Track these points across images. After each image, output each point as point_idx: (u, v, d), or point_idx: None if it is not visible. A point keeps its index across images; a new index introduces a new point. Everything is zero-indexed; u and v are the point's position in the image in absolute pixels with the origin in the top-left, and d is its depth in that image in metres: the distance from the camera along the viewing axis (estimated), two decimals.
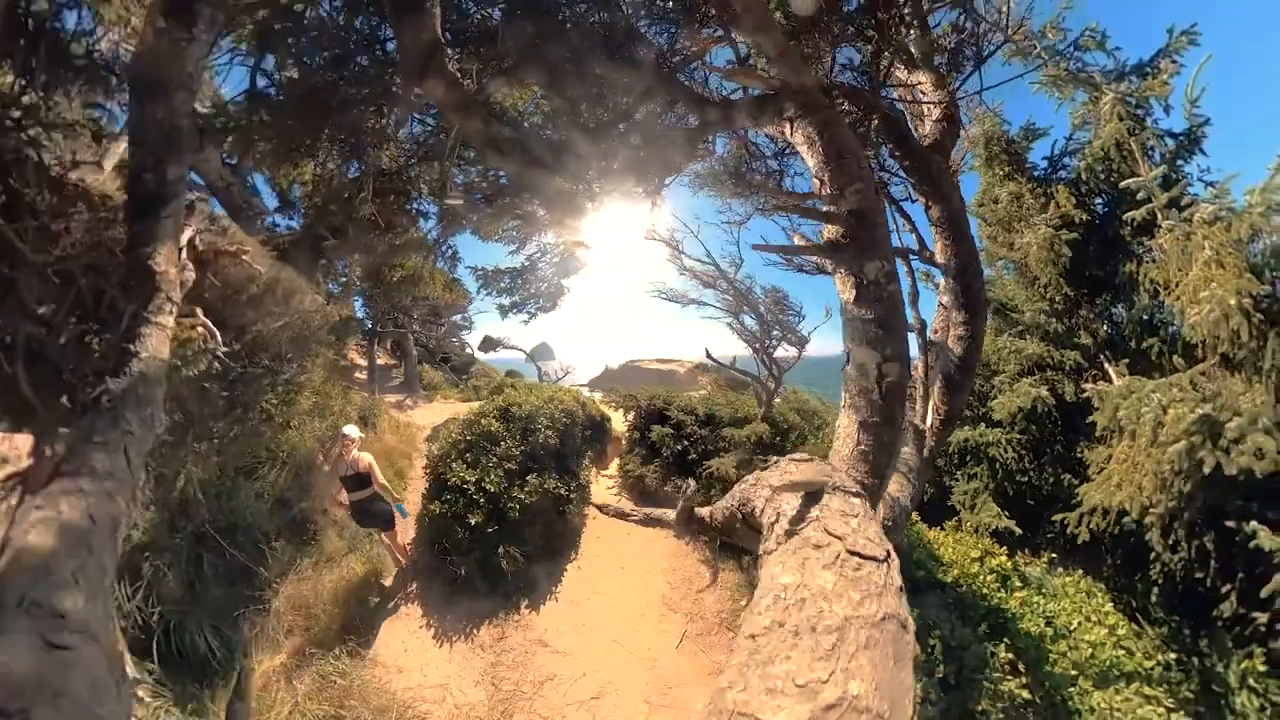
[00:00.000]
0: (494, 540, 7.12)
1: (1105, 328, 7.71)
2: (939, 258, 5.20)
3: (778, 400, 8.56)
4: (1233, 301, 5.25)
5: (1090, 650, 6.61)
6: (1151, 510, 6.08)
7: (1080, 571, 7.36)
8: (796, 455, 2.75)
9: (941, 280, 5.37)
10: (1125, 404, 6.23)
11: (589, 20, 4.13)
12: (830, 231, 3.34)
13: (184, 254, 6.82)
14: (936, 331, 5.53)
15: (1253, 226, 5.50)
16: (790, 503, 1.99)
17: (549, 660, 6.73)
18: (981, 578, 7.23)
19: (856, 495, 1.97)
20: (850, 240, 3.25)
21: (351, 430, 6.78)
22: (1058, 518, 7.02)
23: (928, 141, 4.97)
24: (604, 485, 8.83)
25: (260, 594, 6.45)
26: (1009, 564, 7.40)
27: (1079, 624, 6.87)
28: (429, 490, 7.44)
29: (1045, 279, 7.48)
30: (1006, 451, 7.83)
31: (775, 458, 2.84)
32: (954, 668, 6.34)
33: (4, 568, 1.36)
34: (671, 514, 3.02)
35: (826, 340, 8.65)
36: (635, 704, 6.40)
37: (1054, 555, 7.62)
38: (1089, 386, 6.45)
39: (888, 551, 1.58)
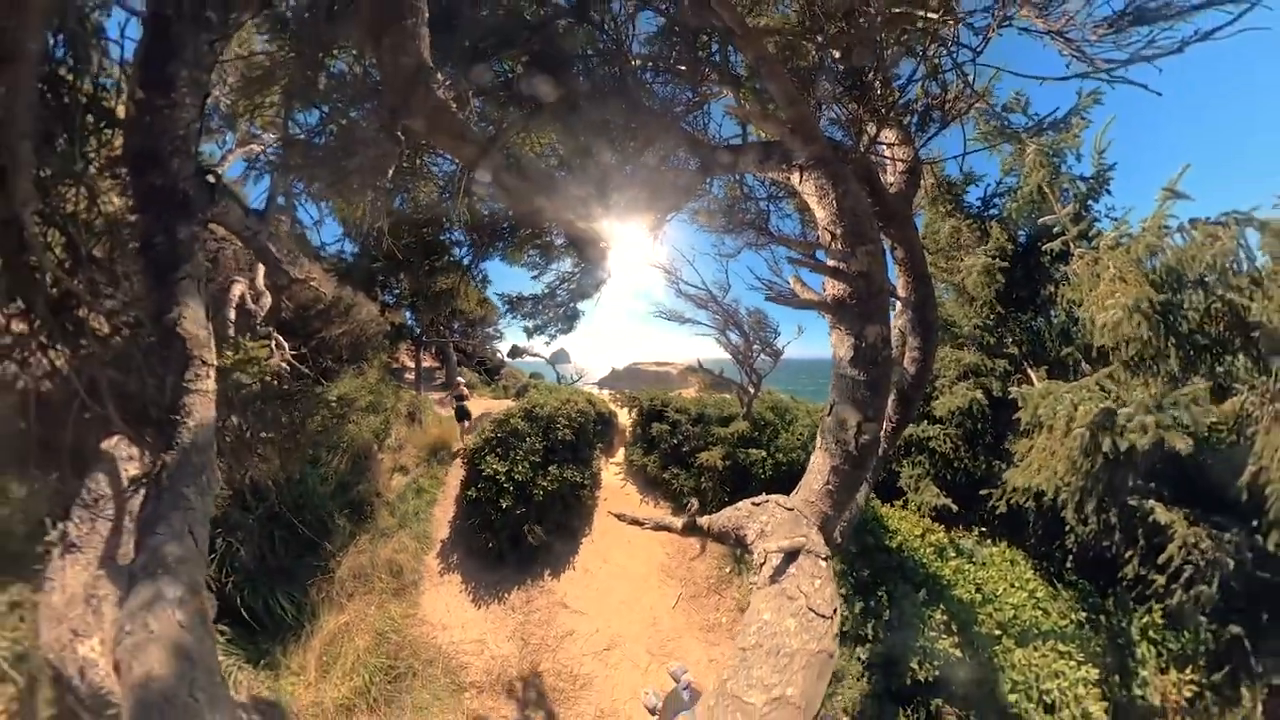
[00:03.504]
0: (521, 520, 6.97)
1: (1028, 339, 7.64)
2: (900, 292, 5.04)
3: (756, 401, 8.45)
4: (1131, 304, 5.19)
5: (1013, 611, 6.50)
6: (1064, 489, 6.00)
7: (1006, 543, 7.28)
8: (780, 500, 2.86)
9: (899, 306, 5.27)
10: (1044, 403, 6.15)
11: (600, 75, 3.92)
12: (834, 288, 2.96)
13: (260, 282, 6.65)
14: (896, 353, 5.40)
15: (1148, 247, 5.48)
16: (775, 555, 2.34)
17: (568, 619, 6.59)
18: (922, 551, 7.12)
19: (825, 559, 2.31)
20: (856, 301, 2.86)
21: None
22: (985, 493, 6.94)
23: (894, 190, 4.80)
24: (612, 471, 8.69)
25: (324, 564, 6.29)
26: (945, 538, 7.30)
27: (1004, 589, 6.77)
28: (466, 478, 7.28)
29: (981, 299, 7.45)
30: (945, 444, 7.78)
31: (765, 495, 2.88)
32: (896, 613, 6.28)
33: (133, 712, 1.24)
34: (678, 523, 3.00)
35: (796, 346, 8.55)
36: (639, 655, 6.26)
37: (984, 530, 7.52)
38: (1015, 389, 6.37)
39: (834, 610, 2.07)
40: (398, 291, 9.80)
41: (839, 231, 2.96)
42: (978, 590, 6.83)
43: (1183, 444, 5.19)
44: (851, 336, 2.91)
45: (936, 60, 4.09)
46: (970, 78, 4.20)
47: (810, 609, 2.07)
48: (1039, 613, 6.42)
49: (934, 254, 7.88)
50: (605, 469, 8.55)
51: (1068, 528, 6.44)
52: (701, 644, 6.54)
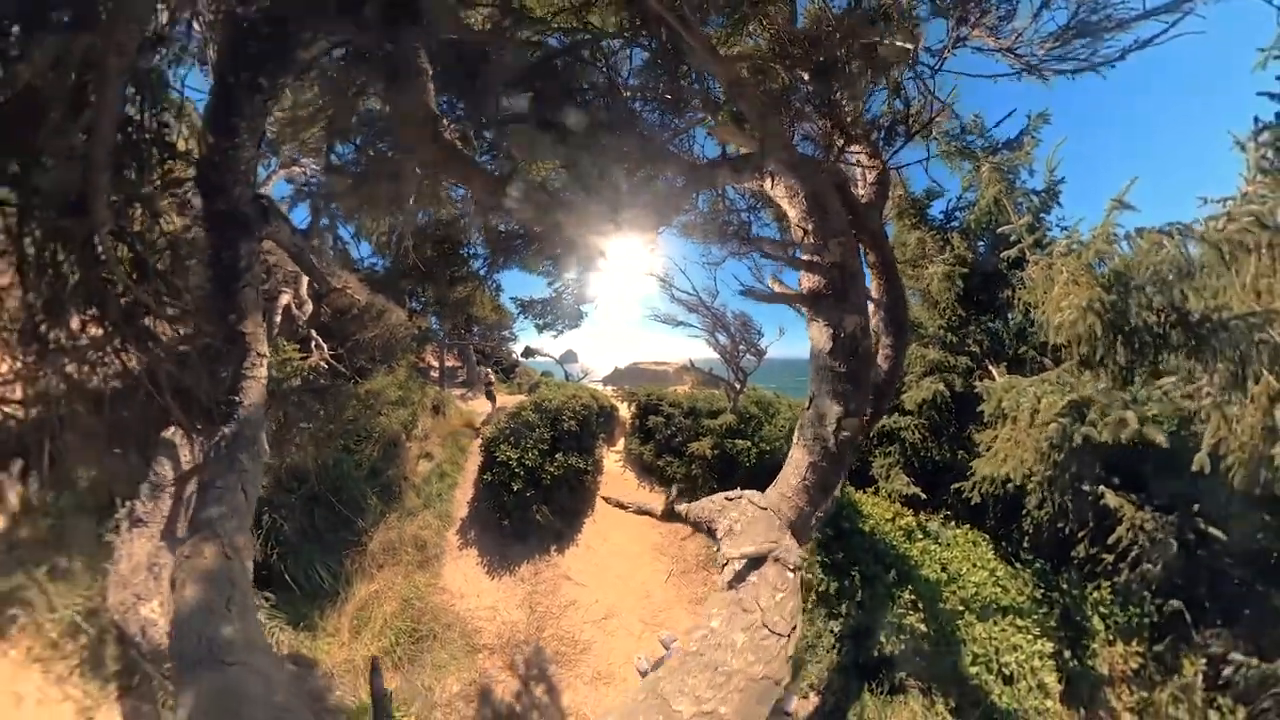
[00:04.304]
0: (531, 501, 7.37)
1: (988, 338, 7.87)
2: (874, 293, 5.20)
3: (742, 396, 8.72)
4: (1084, 304, 5.32)
5: (975, 589, 6.69)
6: (1031, 476, 6.13)
7: (969, 526, 7.44)
8: (753, 497, 2.62)
9: (871, 307, 5.49)
10: (1007, 396, 6.29)
11: (597, 106, 4.14)
12: (810, 280, 2.97)
13: (304, 291, 7.11)
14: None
15: (1098, 253, 5.63)
16: (738, 560, 2.11)
17: (571, 590, 6.95)
18: (892, 534, 7.31)
19: (793, 569, 2.06)
20: (832, 292, 2.85)
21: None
22: (955, 486, 7.12)
23: (865, 200, 4.96)
24: (612, 459, 9.05)
25: (358, 539, 6.73)
26: (914, 521, 7.48)
27: (967, 569, 6.96)
28: (483, 464, 7.68)
29: (944, 302, 7.67)
30: (914, 434, 7.98)
31: (740, 490, 2.71)
32: (868, 592, 6.47)
33: (180, 613, 1.49)
34: (659, 509, 2.91)
35: (778, 346, 8.80)
36: (633, 624, 6.60)
37: (949, 514, 7.69)
38: (979, 383, 6.54)
39: (793, 627, 1.81)
40: (424, 300, 10.38)
41: (810, 227, 3.02)
42: (943, 570, 7.03)
43: (1160, 436, 5.27)
44: (830, 327, 2.90)
45: (899, 79, 4.31)
46: (932, 90, 4.41)
47: (765, 625, 1.79)
48: (999, 590, 6.60)
49: (902, 263, 8.12)
50: (606, 457, 8.92)
51: (1024, 511, 6.61)
52: (690, 615, 6.86)
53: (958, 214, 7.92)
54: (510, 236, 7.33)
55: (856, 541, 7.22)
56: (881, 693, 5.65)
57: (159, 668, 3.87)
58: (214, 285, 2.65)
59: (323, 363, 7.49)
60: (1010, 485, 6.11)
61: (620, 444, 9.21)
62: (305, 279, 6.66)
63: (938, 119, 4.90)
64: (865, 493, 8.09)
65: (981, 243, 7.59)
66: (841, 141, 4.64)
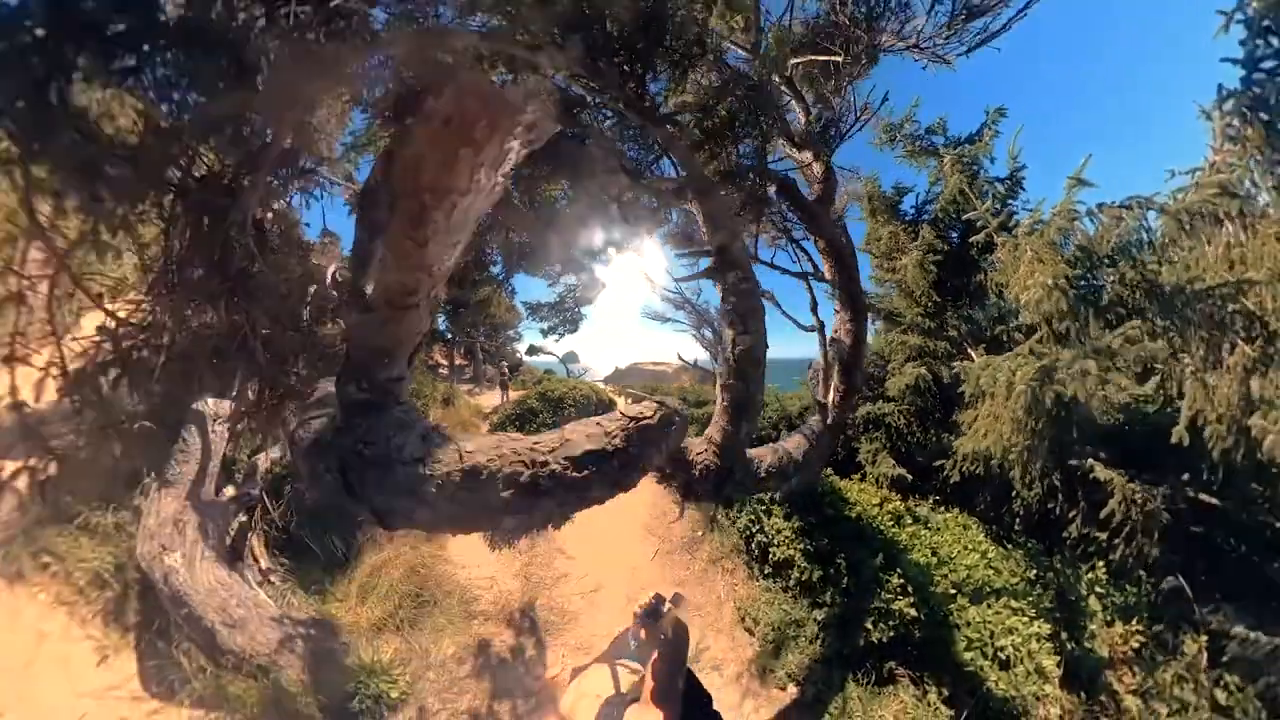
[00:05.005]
0: None
1: (965, 322, 7.71)
2: (827, 275, 5.38)
3: None
4: (1050, 282, 5.19)
5: (966, 572, 6.27)
6: (1011, 449, 5.82)
7: (958, 509, 7.02)
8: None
9: (831, 289, 5.57)
10: (984, 374, 6.10)
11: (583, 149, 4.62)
12: (713, 259, 3.73)
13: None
14: (836, 330, 5.68)
15: (1059, 230, 5.52)
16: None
17: (564, 563, 6.97)
18: (880, 518, 6.99)
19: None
20: (719, 264, 3.61)
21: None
22: (939, 464, 6.80)
23: (814, 197, 5.22)
24: None
25: None
26: (902, 506, 7.14)
27: (958, 551, 6.55)
28: None
29: (919, 290, 7.59)
30: (899, 419, 7.75)
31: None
32: (853, 580, 6.13)
33: None
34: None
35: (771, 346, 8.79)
36: (618, 598, 6.52)
37: (937, 499, 7.29)
38: (957, 364, 6.38)
39: None
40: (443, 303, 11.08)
41: (706, 227, 3.78)
42: (933, 554, 6.66)
43: (1125, 380, 5.02)
44: (724, 282, 3.58)
45: (826, 92, 4.64)
46: (855, 98, 4.70)
47: None
48: (991, 572, 6.18)
49: (878, 258, 8.12)
50: None
51: (1014, 492, 6.23)
52: (670, 592, 6.70)
53: (928, 207, 7.94)
54: (523, 245, 7.83)
55: (842, 528, 6.94)
56: (868, 683, 5.30)
57: (177, 612, 4.07)
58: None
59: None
60: (994, 462, 5.82)
61: None
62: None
63: (864, 119, 5.10)
64: (851, 479, 7.80)
65: (954, 232, 7.57)
66: (771, 150, 4.96)
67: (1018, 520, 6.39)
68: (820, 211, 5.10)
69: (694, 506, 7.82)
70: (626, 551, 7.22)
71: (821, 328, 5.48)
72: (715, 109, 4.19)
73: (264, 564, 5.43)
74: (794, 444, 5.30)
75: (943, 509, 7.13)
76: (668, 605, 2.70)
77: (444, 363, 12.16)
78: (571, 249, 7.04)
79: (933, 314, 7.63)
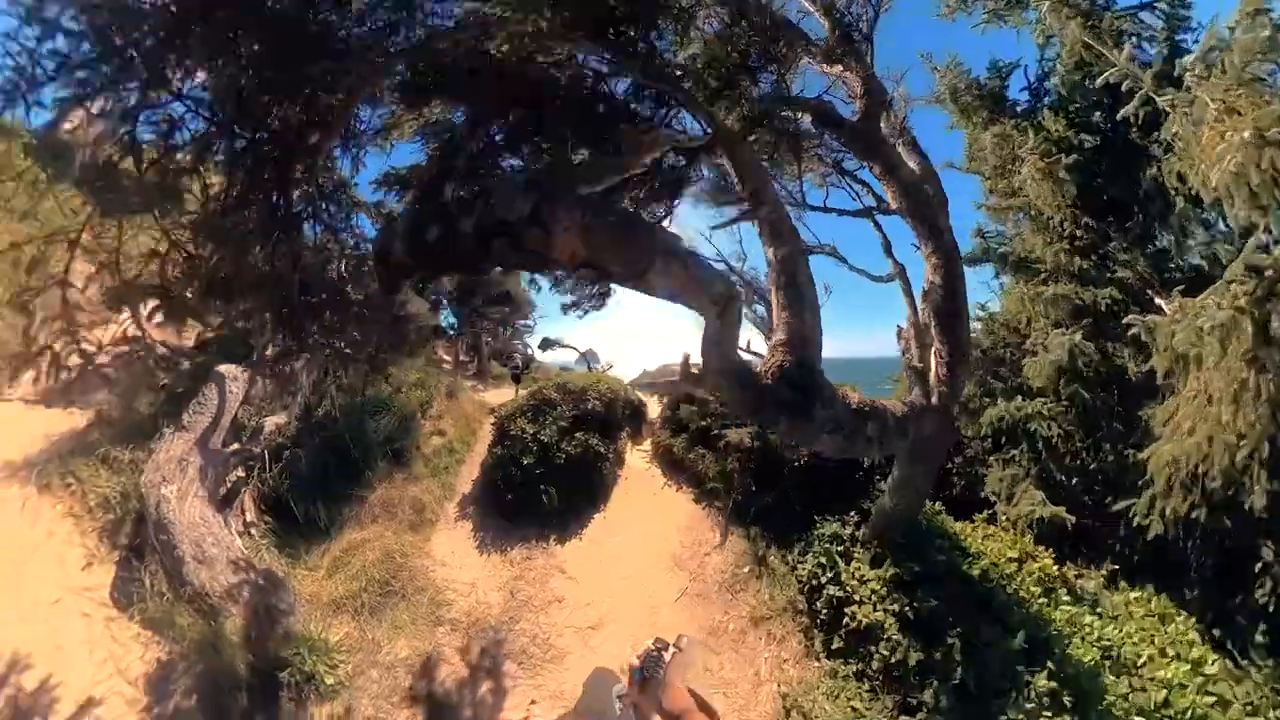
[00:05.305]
0: (539, 480, 6.32)
1: (1143, 258, 4.83)
2: (893, 204, 4.07)
3: None
4: (1250, 136, 2.81)
5: (1165, 693, 3.84)
6: (1237, 449, 3.35)
7: (1152, 588, 4.42)
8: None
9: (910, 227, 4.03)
10: (1180, 328, 3.63)
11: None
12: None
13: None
14: (926, 282, 4.09)
15: (1259, 51, 3.02)
16: None
17: (562, 585, 5.60)
18: (1022, 582, 4.68)
19: None
20: (752, 204, 3.68)
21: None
22: (1120, 506, 4.27)
23: (858, 116, 4.09)
24: (637, 455, 7.71)
25: (362, 491, 6.23)
26: (1054, 568, 4.74)
27: (1149, 657, 4.10)
28: (493, 440, 7.00)
29: (1057, 214, 4.99)
30: (1050, 426, 4.91)
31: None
32: (973, 672, 3.99)
33: None
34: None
35: (839, 341, 7.04)
36: (621, 641, 4.93)
37: (1114, 567, 4.70)
38: (1134, 320, 3.99)
39: None
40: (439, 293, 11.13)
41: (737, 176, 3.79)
42: (1105, 656, 4.25)
43: None
44: (757, 221, 3.53)
45: None
46: None
47: None
48: (1209, 700, 3.71)
49: (989, 178, 5.65)
50: (631, 453, 7.65)
51: (1260, 566, 3.73)
52: (699, 647, 4.95)
53: (1047, 86, 5.28)
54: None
55: (957, 590, 4.63)
56: None
57: (158, 537, 4.40)
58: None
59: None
60: (1212, 483, 3.36)
61: (647, 443, 7.91)
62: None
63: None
64: (972, 522, 5.48)
65: (1097, 114, 4.89)
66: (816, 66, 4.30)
67: (1262, 619, 3.80)
68: (869, 130, 3.97)
69: (739, 534, 6.06)
70: (644, 584, 5.62)
71: (903, 272, 4.63)
72: (728, 55, 4.04)
73: (250, 517, 5.48)
74: (890, 404, 3.70)
75: (1123, 583, 4.58)
76: (670, 650, 1.81)
77: (447, 359, 12.02)
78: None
79: (1084, 248, 4.91)
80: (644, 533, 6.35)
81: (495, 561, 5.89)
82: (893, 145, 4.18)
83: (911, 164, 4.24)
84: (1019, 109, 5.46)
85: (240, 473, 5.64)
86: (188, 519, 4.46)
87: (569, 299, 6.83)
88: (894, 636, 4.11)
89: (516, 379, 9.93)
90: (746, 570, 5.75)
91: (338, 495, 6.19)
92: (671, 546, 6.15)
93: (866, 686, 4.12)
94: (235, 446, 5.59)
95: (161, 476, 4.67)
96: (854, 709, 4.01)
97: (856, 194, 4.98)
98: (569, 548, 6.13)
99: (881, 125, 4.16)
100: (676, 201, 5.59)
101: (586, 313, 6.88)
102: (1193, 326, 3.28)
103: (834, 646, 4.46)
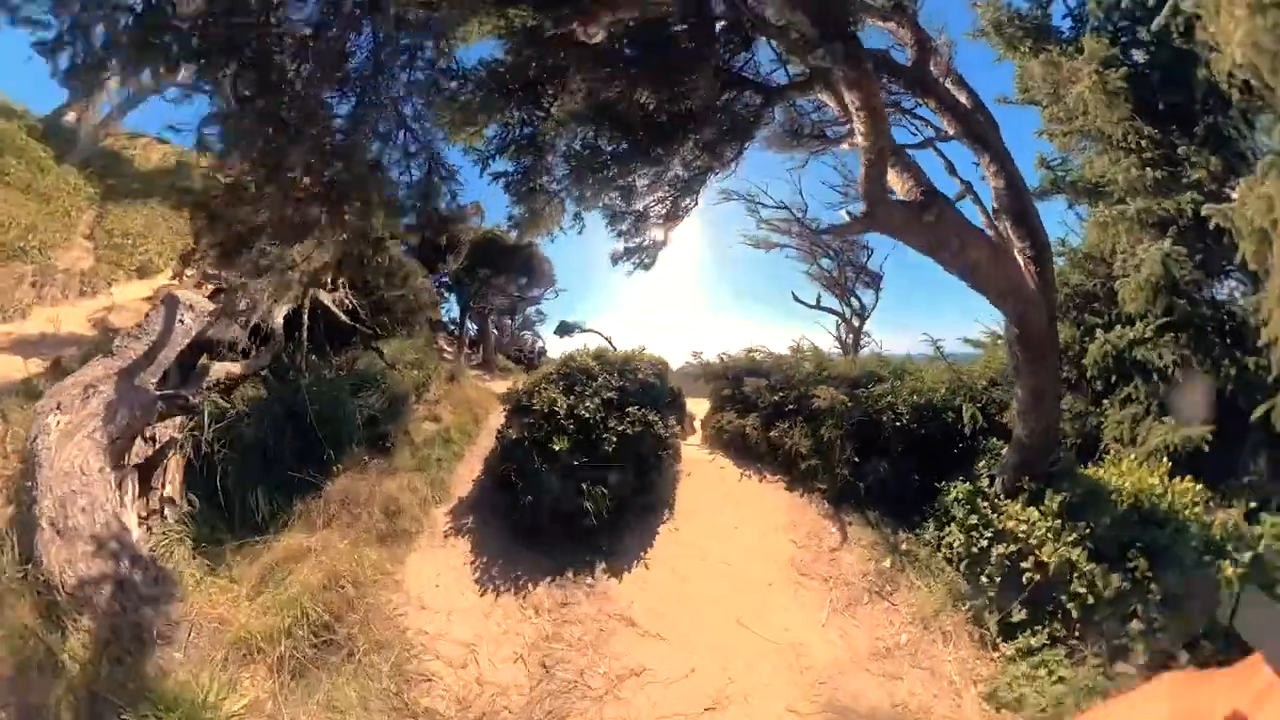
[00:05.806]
0: (579, 477, 4.31)
1: (1212, 154, 4.56)
2: (950, 131, 4.46)
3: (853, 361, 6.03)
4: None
5: None
6: None
7: None
8: None
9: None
10: (1255, 200, 3.15)
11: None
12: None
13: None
14: (994, 191, 4.11)
15: None
16: None
17: (635, 645, 3.49)
18: (1183, 505, 3.74)
19: None
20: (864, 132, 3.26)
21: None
22: (1258, 412, 3.59)
23: (911, 62, 4.39)
24: (688, 447, 5.96)
25: (322, 481, 3.93)
26: (1201, 494, 3.82)
27: None
28: (506, 419, 5.02)
29: (1117, 130, 4.75)
30: (1156, 352, 4.37)
31: None
32: (1171, 579, 3.17)
33: None
34: None
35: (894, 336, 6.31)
36: (777, 713, 2.86)
37: (1252, 504, 3.77)
38: (1209, 207, 3.68)
39: None
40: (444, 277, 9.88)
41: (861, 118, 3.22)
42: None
43: None
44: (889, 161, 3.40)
45: None
46: None
47: None
48: None
49: (1048, 107, 5.46)
50: (684, 444, 5.84)
51: None
52: (882, 692, 3.04)
53: (1084, 10, 5.20)
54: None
55: (1119, 513, 3.64)
56: None
57: (24, 483, 3.19)
58: None
59: (346, 301, 6.05)
60: None
61: (694, 438, 6.28)
62: None
63: None
64: (1100, 464, 4.38)
65: (1140, 28, 4.84)
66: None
67: None
68: (923, 74, 4.36)
69: (854, 521, 4.35)
70: (772, 615, 3.65)
71: (969, 187, 4.44)
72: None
73: (169, 492, 3.89)
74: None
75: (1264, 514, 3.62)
76: None
77: (448, 349, 10.40)
78: (665, 164, 5.73)
79: (1154, 160, 4.59)
80: (740, 542, 4.42)
81: (508, 607, 3.63)
82: (943, 84, 4.50)
83: (961, 98, 4.54)
84: (1064, 36, 5.50)
85: (171, 431, 4.09)
86: (62, 464, 3.08)
87: (622, 246, 5.47)
88: (1086, 568, 3.31)
89: (530, 367, 8.09)
90: (889, 564, 4.00)
91: (288, 482, 3.91)
92: (784, 552, 4.28)
93: (1063, 652, 3.27)
94: (168, 392, 4.11)
95: (57, 403, 3.44)
96: (1061, 679, 3.11)
97: (917, 129, 5.22)
98: (633, 580, 3.99)
99: (931, 68, 4.48)
100: (747, 144, 5.17)
101: (636, 268, 5.51)
102: (1268, 197, 2.81)
103: (1014, 619, 3.55)
